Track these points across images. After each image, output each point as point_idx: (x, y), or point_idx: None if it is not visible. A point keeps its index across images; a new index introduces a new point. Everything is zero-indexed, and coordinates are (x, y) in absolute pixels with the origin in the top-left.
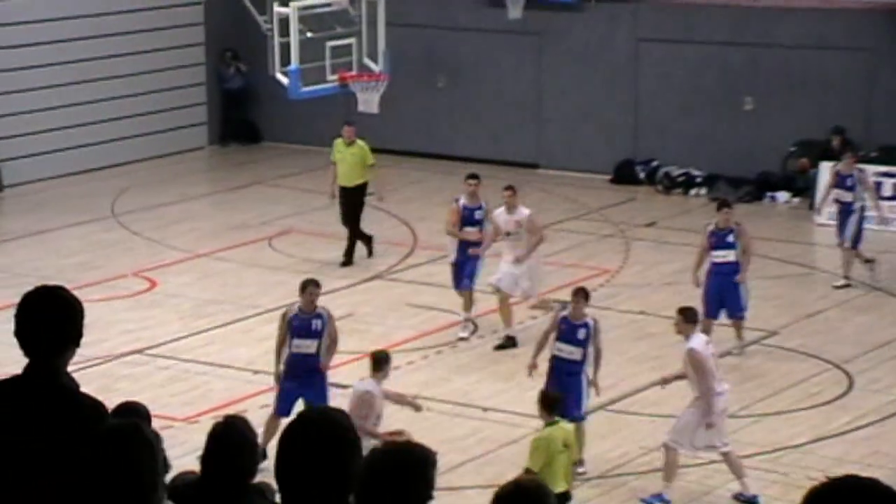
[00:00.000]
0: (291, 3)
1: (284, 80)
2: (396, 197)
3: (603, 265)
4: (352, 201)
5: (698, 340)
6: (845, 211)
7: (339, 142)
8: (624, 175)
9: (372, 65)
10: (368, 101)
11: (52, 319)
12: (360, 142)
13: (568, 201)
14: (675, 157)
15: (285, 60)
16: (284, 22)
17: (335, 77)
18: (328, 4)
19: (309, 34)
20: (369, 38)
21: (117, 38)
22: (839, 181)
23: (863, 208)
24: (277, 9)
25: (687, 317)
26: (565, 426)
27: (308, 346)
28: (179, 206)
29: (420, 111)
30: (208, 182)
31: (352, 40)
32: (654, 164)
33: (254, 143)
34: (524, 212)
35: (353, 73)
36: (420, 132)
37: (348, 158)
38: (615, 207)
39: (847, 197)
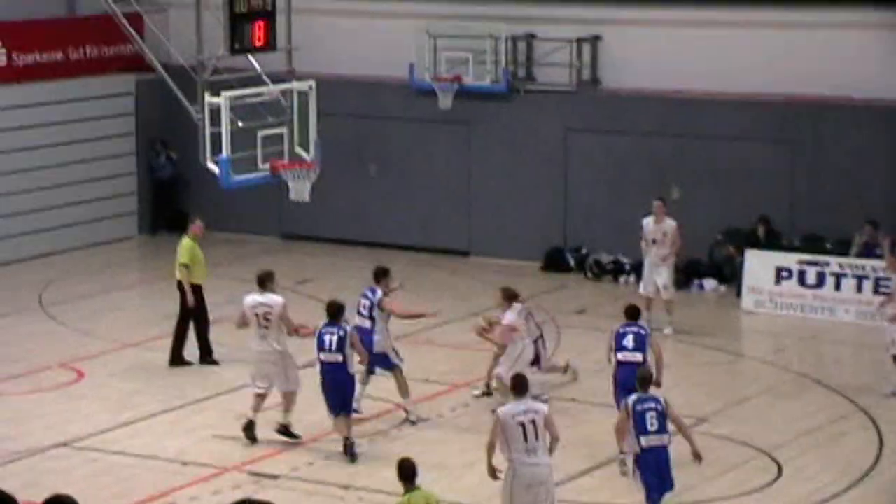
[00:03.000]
0: (223, 93)
1: (216, 168)
2: (329, 286)
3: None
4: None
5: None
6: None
7: (192, 241)
8: (554, 262)
9: (303, 153)
10: (300, 189)
11: None
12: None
13: (499, 289)
14: (604, 245)
15: (216, 149)
16: (216, 111)
17: (266, 166)
18: (259, 94)
19: (240, 123)
20: (301, 128)
21: (48, 129)
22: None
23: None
24: (209, 98)
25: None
26: (425, 493)
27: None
28: (108, 295)
29: (352, 199)
30: (138, 272)
31: (283, 129)
32: (584, 251)
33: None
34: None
35: (285, 161)
36: (352, 220)
37: (201, 256)
38: (546, 295)
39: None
